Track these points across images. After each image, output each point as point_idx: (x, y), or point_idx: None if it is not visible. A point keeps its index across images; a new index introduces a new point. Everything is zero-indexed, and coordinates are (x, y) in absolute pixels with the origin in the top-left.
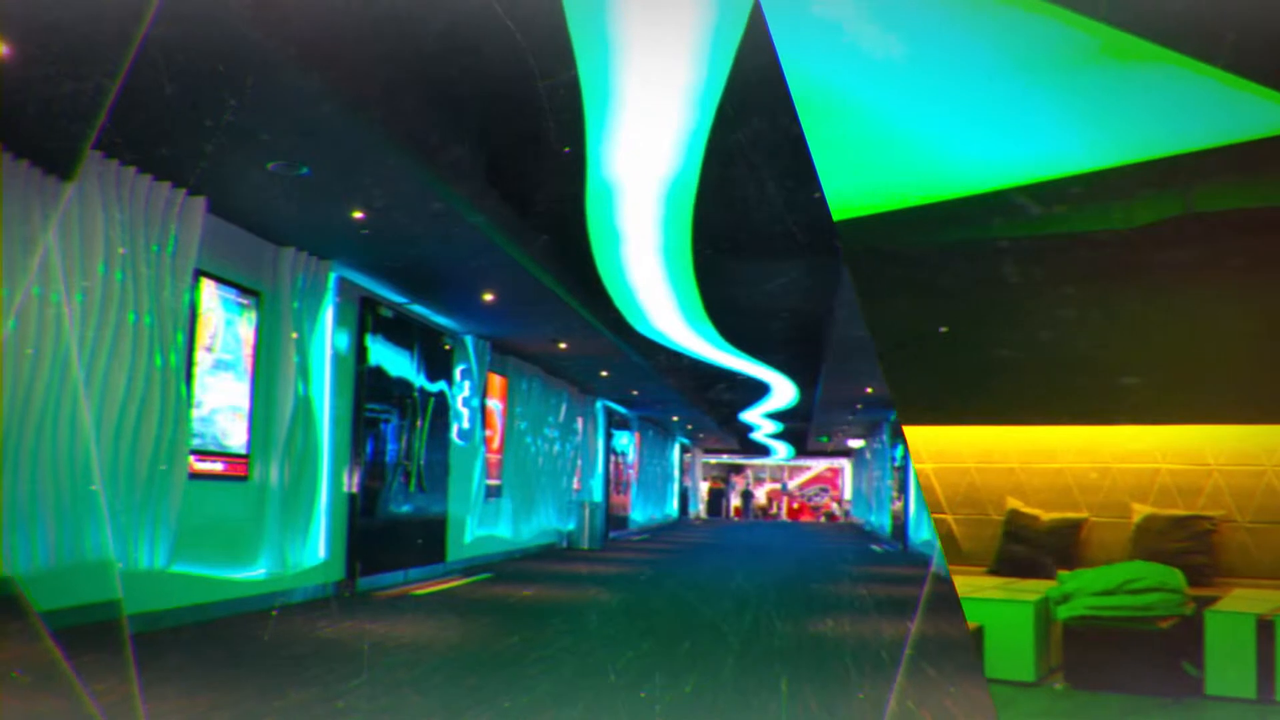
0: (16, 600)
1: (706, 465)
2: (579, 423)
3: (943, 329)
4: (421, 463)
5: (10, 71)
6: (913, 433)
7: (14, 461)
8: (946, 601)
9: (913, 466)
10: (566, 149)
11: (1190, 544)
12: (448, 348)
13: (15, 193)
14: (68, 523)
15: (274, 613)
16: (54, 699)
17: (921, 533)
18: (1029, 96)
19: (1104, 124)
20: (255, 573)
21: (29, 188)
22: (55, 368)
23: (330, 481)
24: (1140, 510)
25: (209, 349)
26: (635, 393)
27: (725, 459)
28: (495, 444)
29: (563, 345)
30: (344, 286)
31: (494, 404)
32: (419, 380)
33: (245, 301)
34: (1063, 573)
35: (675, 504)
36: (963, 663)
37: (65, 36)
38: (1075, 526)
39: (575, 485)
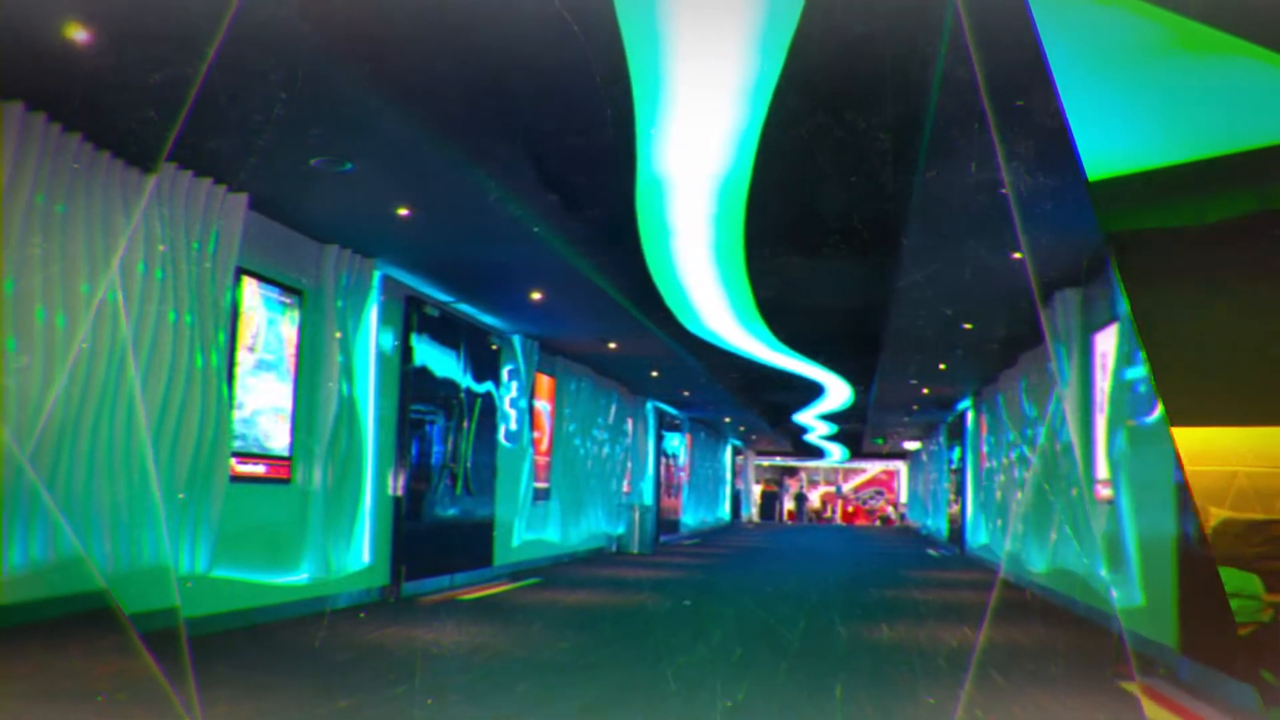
0: (112, 611)
1: (759, 468)
2: (629, 424)
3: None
4: (468, 465)
5: (92, 60)
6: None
7: (69, 463)
8: (1013, 608)
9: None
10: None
11: (1269, 548)
12: (495, 347)
13: (97, 185)
14: (123, 528)
15: (326, 616)
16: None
17: (979, 536)
18: None
19: None
20: (298, 577)
21: (110, 180)
22: (112, 367)
23: (374, 484)
24: (1217, 514)
25: (251, 349)
26: (686, 394)
27: (778, 461)
28: (543, 446)
29: (612, 345)
30: (388, 285)
31: (542, 405)
32: (465, 381)
33: (288, 300)
34: None
35: (727, 507)
36: (1033, 670)
37: (146, 27)
38: None
39: (625, 488)
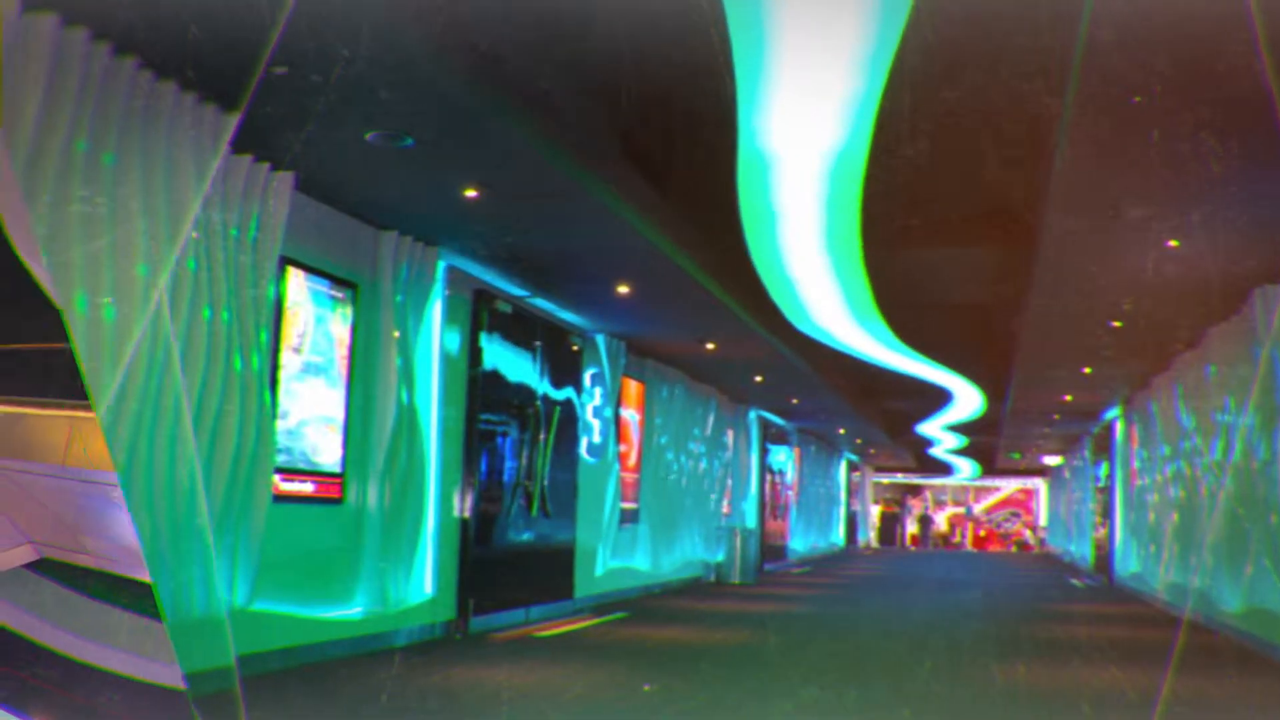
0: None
1: (878, 486)
2: (729, 436)
3: None
4: (545, 483)
5: None
6: None
7: None
8: (1200, 652)
9: None
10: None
11: None
12: (576, 349)
13: (159, 127)
14: (166, 573)
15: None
16: None
17: (1129, 565)
18: None
19: None
20: (351, 611)
21: (176, 121)
22: (153, 373)
23: (438, 505)
24: None
25: (296, 350)
26: (795, 401)
27: (900, 479)
28: (631, 461)
29: (710, 346)
30: (454, 277)
31: (629, 414)
32: (542, 387)
33: (339, 295)
34: None
35: (841, 531)
36: None
37: None
38: None
39: (725, 509)
